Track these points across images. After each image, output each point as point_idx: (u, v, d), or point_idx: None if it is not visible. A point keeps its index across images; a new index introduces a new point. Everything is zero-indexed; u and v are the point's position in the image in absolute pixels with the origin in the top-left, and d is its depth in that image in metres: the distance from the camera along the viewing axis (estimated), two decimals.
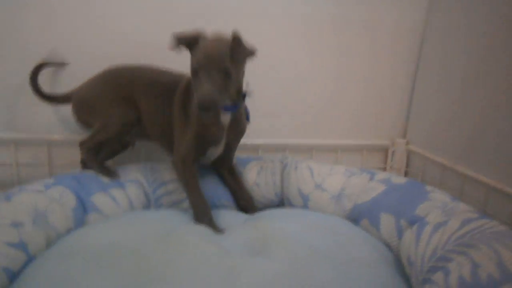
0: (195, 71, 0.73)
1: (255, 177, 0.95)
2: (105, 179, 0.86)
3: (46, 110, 1.02)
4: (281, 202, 0.97)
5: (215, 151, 0.87)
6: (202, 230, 0.75)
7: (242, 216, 0.86)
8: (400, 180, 0.80)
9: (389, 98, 1.25)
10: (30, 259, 0.64)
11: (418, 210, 0.68)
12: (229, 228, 0.76)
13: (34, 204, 0.70)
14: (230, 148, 0.91)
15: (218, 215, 0.84)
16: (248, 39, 0.77)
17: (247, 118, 0.91)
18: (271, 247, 0.65)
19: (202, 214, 0.80)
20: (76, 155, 0.99)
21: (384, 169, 1.29)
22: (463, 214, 0.62)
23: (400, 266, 0.67)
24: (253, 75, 0.86)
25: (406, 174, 1.26)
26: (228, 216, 0.84)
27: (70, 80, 0.99)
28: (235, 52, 0.73)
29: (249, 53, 0.75)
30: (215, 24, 0.87)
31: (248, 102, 0.89)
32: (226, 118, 0.83)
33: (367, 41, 1.19)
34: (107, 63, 0.96)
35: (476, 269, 0.49)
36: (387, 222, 0.72)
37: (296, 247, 0.66)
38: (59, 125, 1.07)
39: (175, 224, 0.77)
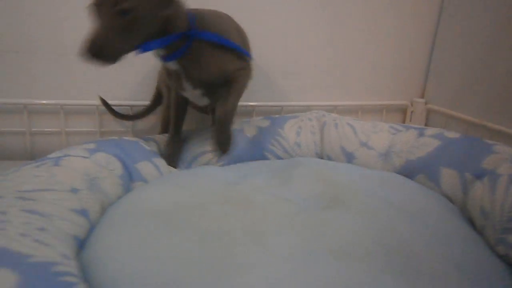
0: (89, 11, 0.61)
1: (295, 137, 0.92)
2: (147, 146, 0.81)
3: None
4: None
5: (187, 96, 0.82)
6: (260, 183, 0.72)
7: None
8: (454, 134, 0.79)
9: (407, 58, 1.24)
10: (92, 227, 0.59)
11: (485, 163, 0.68)
12: (288, 177, 0.74)
13: (85, 170, 0.65)
14: (213, 91, 0.81)
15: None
16: None
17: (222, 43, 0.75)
18: (344, 201, 0.64)
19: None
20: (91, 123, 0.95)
21: None
22: None
23: (466, 219, 0.67)
24: (273, 37, 0.81)
25: None
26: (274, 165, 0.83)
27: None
28: None
29: None
30: None
31: (271, 63, 0.85)
32: (172, 65, 0.75)
33: (386, 1, 1.16)
34: None
35: None
36: (449, 176, 0.72)
37: (369, 200, 0.65)
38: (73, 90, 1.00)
39: (227, 180, 0.74)
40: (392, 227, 0.59)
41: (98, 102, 0.98)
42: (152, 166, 0.78)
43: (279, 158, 0.90)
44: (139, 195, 0.67)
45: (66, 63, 0.98)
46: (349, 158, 0.89)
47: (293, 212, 0.61)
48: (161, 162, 0.81)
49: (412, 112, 1.27)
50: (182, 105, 0.87)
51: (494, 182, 0.64)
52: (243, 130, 0.92)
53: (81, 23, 0.65)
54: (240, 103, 0.84)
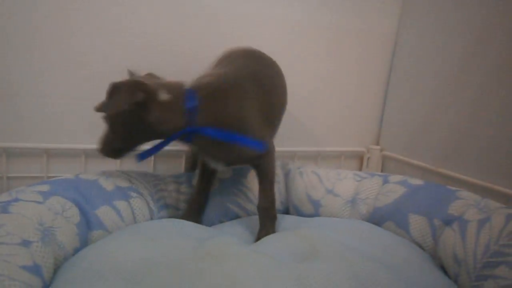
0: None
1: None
2: (106, 186, 0.74)
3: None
4: (287, 210, 0.93)
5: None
6: (231, 239, 0.68)
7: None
8: (418, 181, 0.82)
9: (363, 107, 1.30)
10: (44, 286, 0.51)
11: (451, 209, 0.71)
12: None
13: (38, 218, 0.57)
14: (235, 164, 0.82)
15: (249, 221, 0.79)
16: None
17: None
18: (322, 254, 0.62)
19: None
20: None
21: None
22: (502, 210, 0.65)
23: (438, 266, 0.68)
24: None
25: None
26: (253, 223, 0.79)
27: None
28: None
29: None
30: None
31: None
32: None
33: (338, 49, 1.22)
34: None
35: None
36: (417, 223, 0.73)
37: (346, 252, 0.63)
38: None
39: (199, 234, 0.69)
40: (374, 280, 0.57)
41: (46, 145, 0.91)
42: (112, 212, 0.71)
43: (244, 209, 0.88)
44: (101, 250, 0.60)
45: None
46: (316, 206, 0.88)
47: (273, 266, 0.57)
48: (123, 206, 0.74)
49: (368, 158, 1.32)
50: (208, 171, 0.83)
51: (464, 228, 0.65)
52: None
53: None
54: None
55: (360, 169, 1.33)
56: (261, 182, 0.78)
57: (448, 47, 1.06)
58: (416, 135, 1.17)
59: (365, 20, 1.23)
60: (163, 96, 0.64)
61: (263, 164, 0.77)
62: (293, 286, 0.52)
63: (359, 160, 1.34)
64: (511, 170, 0.87)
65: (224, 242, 0.66)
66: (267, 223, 0.76)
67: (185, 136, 0.67)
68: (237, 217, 0.87)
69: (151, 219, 0.79)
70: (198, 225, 0.76)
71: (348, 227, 0.75)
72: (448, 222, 0.70)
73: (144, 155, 0.70)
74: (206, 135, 0.66)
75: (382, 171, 1.31)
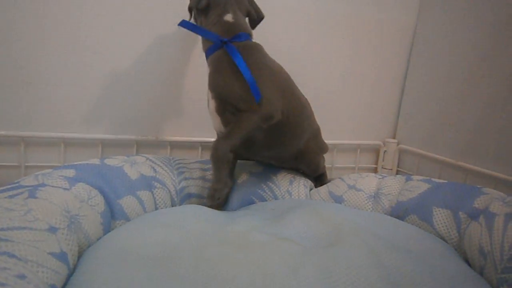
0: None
1: (287, 186, 0.90)
2: (131, 174, 0.74)
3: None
4: None
5: (210, 116, 0.81)
6: (256, 223, 0.68)
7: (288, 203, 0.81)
8: (441, 180, 0.81)
9: (380, 99, 1.29)
10: (69, 273, 0.52)
11: (477, 203, 0.69)
12: (283, 216, 0.70)
13: (65, 205, 0.57)
14: (224, 109, 0.77)
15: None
16: None
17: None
18: (346, 239, 0.61)
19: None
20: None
21: (376, 168, 1.32)
22: None
23: (462, 258, 0.67)
24: None
25: (397, 173, 1.30)
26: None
27: None
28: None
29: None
30: None
31: None
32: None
33: (356, 41, 1.21)
34: None
35: None
36: (442, 216, 0.72)
37: (370, 239, 0.62)
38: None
39: (220, 220, 0.69)
40: (397, 267, 0.57)
41: (62, 134, 0.92)
42: (136, 202, 0.71)
43: None
44: (122, 236, 0.60)
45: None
46: (338, 201, 0.87)
47: (298, 252, 0.57)
48: (146, 196, 0.74)
49: (385, 152, 1.30)
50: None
51: (491, 221, 0.64)
52: (234, 174, 0.89)
53: None
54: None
55: (376, 163, 1.32)
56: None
57: (467, 40, 1.04)
58: (434, 128, 1.16)
59: (384, 11, 1.21)
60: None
61: (243, 115, 0.74)
62: (319, 274, 0.52)
63: (376, 153, 1.33)
64: None
65: (246, 227, 0.66)
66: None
67: (214, 44, 0.78)
68: None
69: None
70: (219, 211, 0.75)
71: (372, 217, 0.74)
72: (474, 215, 0.69)
73: (185, 24, 0.80)
74: (230, 53, 0.74)
75: (398, 165, 1.29)
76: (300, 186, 0.90)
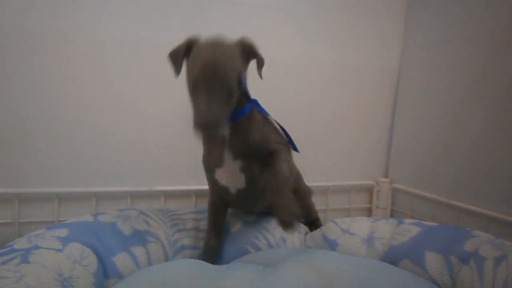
0: (193, 84, 0.65)
1: (281, 232, 0.90)
2: (124, 230, 0.75)
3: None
4: None
5: (224, 176, 0.78)
6: (248, 276, 0.67)
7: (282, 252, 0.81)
8: (431, 223, 0.82)
9: (370, 139, 1.32)
10: None
11: (467, 247, 0.70)
12: (276, 268, 0.70)
13: (58, 268, 0.58)
14: (250, 167, 0.77)
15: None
16: None
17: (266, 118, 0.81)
18: None
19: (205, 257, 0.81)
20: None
21: (370, 208, 1.33)
22: None
23: None
24: None
25: (392, 212, 1.31)
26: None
27: None
28: (258, 60, 0.73)
29: (263, 61, 0.74)
30: None
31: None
32: (223, 131, 0.74)
33: (342, 85, 1.25)
34: None
35: None
36: (434, 260, 0.73)
37: None
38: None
39: (213, 273, 0.69)
40: None
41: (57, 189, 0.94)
42: (129, 259, 0.71)
43: None
44: None
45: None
46: (333, 246, 0.88)
47: None
48: (140, 252, 0.74)
49: (378, 191, 1.32)
50: (221, 208, 0.86)
51: (481, 265, 0.65)
52: (228, 223, 0.90)
53: None
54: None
55: (370, 203, 1.33)
56: (272, 161, 0.76)
57: (452, 78, 1.07)
58: (425, 166, 1.17)
59: (367, 55, 1.26)
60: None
61: (280, 150, 0.78)
62: None
63: (369, 193, 1.34)
64: None
65: (239, 280, 0.66)
66: (284, 203, 0.68)
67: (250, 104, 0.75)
68: None
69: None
70: (212, 265, 0.76)
71: (367, 264, 0.74)
72: (464, 259, 0.69)
73: (236, 116, 0.75)
74: (260, 110, 0.78)
75: (392, 204, 1.30)
76: (295, 233, 0.91)
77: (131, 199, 1.02)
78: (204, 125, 0.61)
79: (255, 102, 0.78)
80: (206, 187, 1.02)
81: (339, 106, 1.25)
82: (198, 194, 1.08)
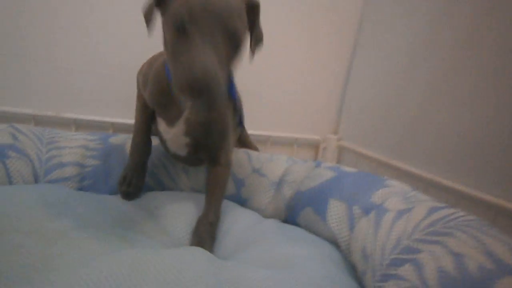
0: (180, 27, 0.46)
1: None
2: None
3: None
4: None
5: (167, 134, 0.68)
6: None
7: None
8: (350, 169, 0.70)
9: (321, 93, 1.19)
10: None
11: (374, 197, 0.59)
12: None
13: None
14: (197, 140, 0.67)
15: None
16: None
17: (232, 96, 0.69)
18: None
19: (134, 149, 0.70)
20: None
21: None
22: (428, 202, 0.54)
23: (348, 266, 0.57)
24: None
25: None
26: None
27: None
28: (257, 32, 0.56)
29: (262, 35, 0.59)
30: None
31: None
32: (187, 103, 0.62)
33: (302, 35, 1.11)
34: None
35: (460, 259, 0.40)
36: (336, 209, 0.62)
37: None
38: None
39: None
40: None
41: None
42: None
43: (161, 184, 0.77)
44: None
45: None
46: (239, 185, 0.77)
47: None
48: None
49: (324, 148, 1.20)
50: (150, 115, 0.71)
51: (379, 218, 0.54)
52: (125, 145, 0.78)
53: None
54: None
55: (315, 159, 1.22)
56: (212, 186, 0.67)
57: (409, 38, 0.97)
58: (374, 126, 1.06)
59: (328, 5, 1.11)
60: None
61: (224, 170, 0.68)
62: None
63: (315, 149, 1.23)
64: (461, 164, 0.77)
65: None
66: (205, 242, 0.59)
67: None
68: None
69: (35, 182, 0.68)
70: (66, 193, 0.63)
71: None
72: (368, 210, 0.58)
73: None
74: (232, 92, 0.66)
75: (338, 162, 1.19)
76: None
77: (35, 123, 0.89)
78: (202, 82, 0.42)
79: (232, 84, 0.67)
80: (125, 120, 0.90)
81: (293, 53, 1.11)
82: (117, 127, 0.95)
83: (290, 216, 0.71)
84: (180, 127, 0.65)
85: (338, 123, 1.22)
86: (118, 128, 0.95)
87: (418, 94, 0.92)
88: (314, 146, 1.22)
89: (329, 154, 1.19)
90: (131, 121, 0.93)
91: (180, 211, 0.66)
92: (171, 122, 0.65)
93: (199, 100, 0.44)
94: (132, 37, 0.89)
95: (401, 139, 0.96)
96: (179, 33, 0.46)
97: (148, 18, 0.52)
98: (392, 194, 0.59)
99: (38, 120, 0.88)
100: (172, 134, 0.67)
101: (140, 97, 0.72)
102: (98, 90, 0.93)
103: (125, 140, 0.79)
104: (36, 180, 0.69)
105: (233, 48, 0.48)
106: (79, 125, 0.92)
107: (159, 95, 0.64)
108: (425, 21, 0.91)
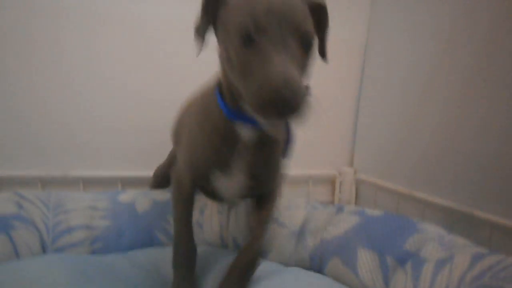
0: (246, 38, 0.41)
1: (197, 216, 0.76)
2: None
3: None
4: (225, 244, 0.77)
5: (224, 182, 0.58)
6: None
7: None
8: (375, 212, 0.65)
9: (334, 126, 1.15)
10: None
11: (408, 245, 0.54)
12: None
13: None
14: (259, 181, 0.58)
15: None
16: None
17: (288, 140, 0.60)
18: None
19: (179, 260, 0.59)
20: None
21: (332, 201, 1.17)
22: (468, 248, 0.49)
23: None
24: None
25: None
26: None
27: None
28: (324, 19, 0.50)
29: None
30: None
31: None
32: (248, 133, 0.53)
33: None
34: None
35: None
36: (367, 260, 0.57)
37: None
38: None
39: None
40: None
41: None
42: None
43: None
44: None
45: None
46: None
47: None
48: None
49: (341, 182, 1.15)
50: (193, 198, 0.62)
51: (418, 270, 0.49)
52: (134, 203, 0.75)
53: None
54: None
55: (333, 195, 1.17)
56: (259, 223, 0.59)
57: (417, 65, 0.93)
58: (390, 155, 1.02)
59: (333, 33, 1.09)
60: None
61: (275, 200, 0.62)
62: None
63: (331, 184, 1.18)
64: (491, 193, 0.71)
65: None
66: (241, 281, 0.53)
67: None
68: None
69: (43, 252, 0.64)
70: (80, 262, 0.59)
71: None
72: (403, 260, 0.53)
73: None
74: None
75: (356, 196, 1.14)
76: (213, 215, 0.76)
77: (42, 185, 0.86)
78: (287, 94, 0.37)
79: None
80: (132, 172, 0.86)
81: None
82: (125, 182, 0.92)
83: (314, 266, 0.66)
84: (241, 170, 0.55)
85: (352, 155, 1.18)
86: (126, 182, 0.91)
87: (431, 120, 0.88)
88: (330, 181, 1.17)
89: (347, 188, 1.14)
90: (138, 173, 0.91)
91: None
92: (228, 170, 0.56)
93: (284, 117, 0.39)
94: (134, 91, 0.88)
95: (420, 167, 0.91)
96: (245, 45, 0.41)
97: (200, 35, 0.47)
98: (427, 240, 0.54)
99: (45, 182, 0.85)
100: (234, 182, 0.57)
101: (178, 179, 0.61)
102: (104, 145, 0.90)
103: (134, 197, 0.76)
104: (44, 249, 0.65)
105: (306, 53, 0.44)
106: (87, 182, 0.89)
107: (215, 135, 0.54)
108: (431, 46, 0.89)
